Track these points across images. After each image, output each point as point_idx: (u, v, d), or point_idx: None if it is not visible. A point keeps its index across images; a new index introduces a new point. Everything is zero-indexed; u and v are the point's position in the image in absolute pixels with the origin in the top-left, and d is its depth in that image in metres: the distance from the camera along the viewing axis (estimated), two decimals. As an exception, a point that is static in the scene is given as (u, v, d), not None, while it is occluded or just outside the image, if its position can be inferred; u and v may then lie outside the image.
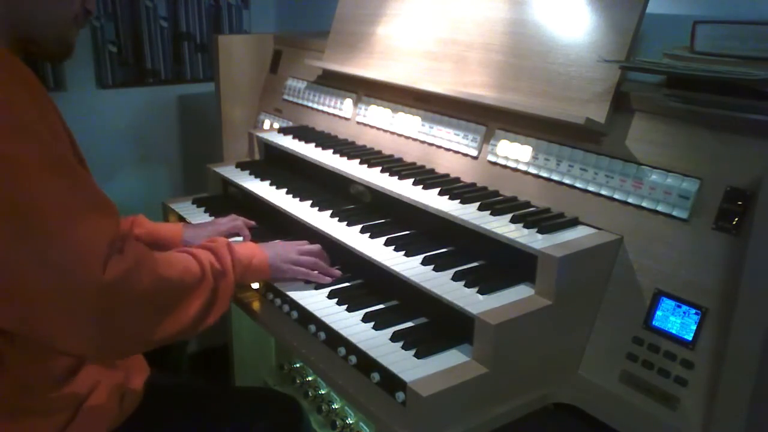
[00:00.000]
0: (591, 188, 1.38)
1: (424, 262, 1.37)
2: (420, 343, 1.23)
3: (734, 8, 1.57)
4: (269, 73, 2.47)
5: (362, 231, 1.52)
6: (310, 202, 1.70)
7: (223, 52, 2.35)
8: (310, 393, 2.16)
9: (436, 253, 1.42)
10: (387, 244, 1.46)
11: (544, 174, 1.46)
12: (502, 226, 1.35)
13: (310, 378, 2.20)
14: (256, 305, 1.52)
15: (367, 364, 1.21)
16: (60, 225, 0.99)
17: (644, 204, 1.28)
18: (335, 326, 1.30)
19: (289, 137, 2.04)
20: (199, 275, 1.21)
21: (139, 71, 2.61)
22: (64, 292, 0.99)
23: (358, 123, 2.00)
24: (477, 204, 1.46)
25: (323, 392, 2.14)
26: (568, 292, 1.25)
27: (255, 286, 1.55)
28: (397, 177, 1.64)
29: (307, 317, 1.37)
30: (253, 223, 1.72)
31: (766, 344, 1.04)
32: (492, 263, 1.39)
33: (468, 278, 1.30)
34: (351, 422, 2.00)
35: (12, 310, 1.01)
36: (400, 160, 1.80)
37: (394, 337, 1.26)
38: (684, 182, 1.23)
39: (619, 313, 1.29)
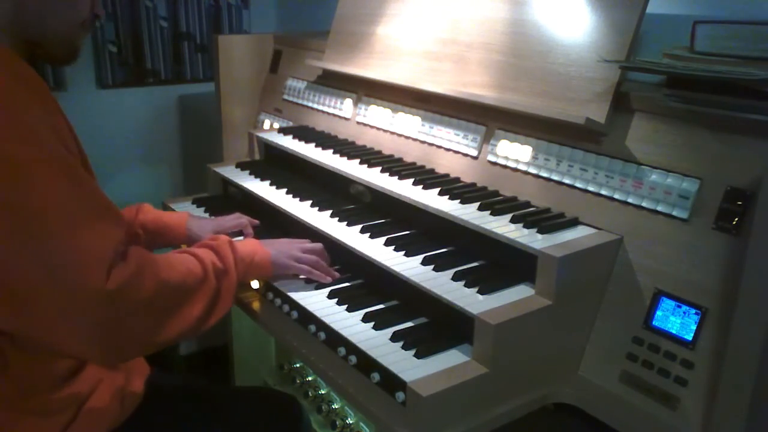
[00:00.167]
0: (591, 188, 1.38)
1: (424, 262, 1.37)
2: (420, 343, 1.23)
3: (734, 8, 1.57)
4: (269, 73, 2.47)
5: (362, 231, 1.52)
6: (310, 202, 1.70)
7: (223, 52, 2.35)
8: (310, 393, 2.16)
9: (436, 253, 1.42)
10: (387, 244, 1.46)
11: (544, 174, 1.46)
12: (502, 226, 1.35)
13: (310, 378, 2.20)
14: (256, 305, 1.52)
15: (367, 364, 1.21)
16: (64, 233, 0.99)
17: (644, 204, 1.28)
18: (335, 326, 1.30)
19: (289, 137, 2.04)
20: (201, 276, 1.21)
21: (139, 71, 2.61)
22: (68, 299, 0.99)
23: (358, 123, 2.00)
24: (477, 204, 1.46)
25: (323, 392, 2.14)
26: (568, 292, 1.25)
27: (255, 285, 1.55)
28: (397, 177, 1.64)
29: (307, 317, 1.37)
30: (257, 222, 1.72)
31: (766, 344, 1.04)
32: (492, 263, 1.39)
33: (468, 278, 1.30)
34: (351, 422, 2.00)
35: (17, 316, 1.02)
36: (400, 160, 1.80)
37: (394, 337, 1.26)
38: (684, 182, 1.23)
39: (619, 313, 1.29)
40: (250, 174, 1.97)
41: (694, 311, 1.19)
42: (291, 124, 2.26)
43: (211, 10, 2.72)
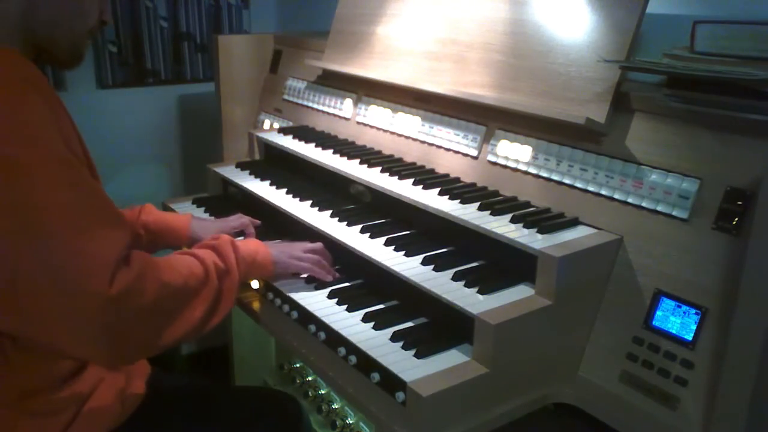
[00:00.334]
0: (591, 188, 1.38)
1: (424, 262, 1.37)
2: (420, 343, 1.23)
3: (734, 8, 1.57)
4: (269, 73, 2.47)
5: (362, 231, 1.52)
6: (310, 202, 1.70)
7: (223, 52, 2.35)
8: (310, 393, 2.16)
9: (436, 253, 1.42)
10: (387, 244, 1.46)
11: (544, 174, 1.46)
12: (502, 226, 1.35)
13: (310, 378, 2.20)
14: (256, 305, 1.52)
15: (367, 364, 1.21)
16: (67, 237, 0.99)
17: (644, 204, 1.28)
18: (335, 326, 1.30)
19: (289, 137, 2.04)
20: (202, 278, 1.20)
21: (139, 71, 2.61)
22: (72, 304, 0.99)
23: (358, 123, 2.00)
24: (477, 204, 1.46)
25: (323, 392, 2.14)
26: (568, 292, 1.25)
27: (255, 285, 1.55)
28: (397, 177, 1.64)
29: (307, 317, 1.37)
30: (258, 222, 1.72)
31: (766, 344, 1.04)
32: (492, 263, 1.39)
33: (468, 278, 1.30)
34: (351, 422, 2.00)
35: (20, 319, 1.02)
36: (400, 160, 1.80)
37: (394, 337, 1.26)
38: (684, 182, 1.23)
39: (619, 313, 1.29)
40: (250, 174, 1.97)
41: (694, 311, 1.19)
42: (291, 124, 2.26)
43: (211, 10, 2.72)
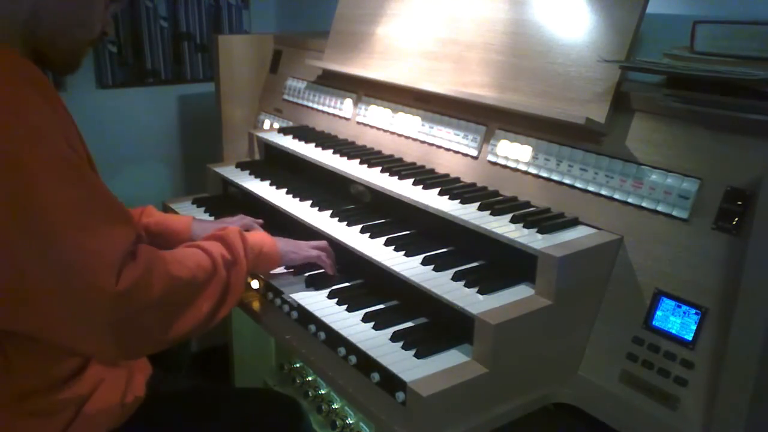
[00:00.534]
0: (591, 188, 1.38)
1: (424, 262, 1.37)
2: (420, 343, 1.23)
3: (734, 8, 1.57)
4: (269, 73, 2.47)
5: (362, 231, 1.52)
6: (310, 202, 1.70)
7: (223, 52, 2.35)
8: (310, 393, 2.16)
9: (436, 253, 1.42)
10: (387, 244, 1.46)
11: (544, 174, 1.46)
12: (502, 226, 1.35)
13: (310, 378, 2.21)
14: (256, 305, 1.52)
15: (367, 364, 1.21)
16: (72, 234, 0.99)
17: (644, 204, 1.28)
18: (335, 326, 1.30)
19: (289, 137, 2.04)
20: (210, 270, 1.20)
21: (139, 71, 2.61)
22: (79, 301, 0.99)
23: (358, 123, 2.00)
24: (477, 204, 1.46)
25: (323, 392, 2.14)
26: (568, 292, 1.25)
27: (255, 285, 1.55)
28: (397, 177, 1.64)
29: (307, 317, 1.37)
30: (261, 221, 1.72)
31: (766, 344, 1.04)
32: (492, 263, 1.39)
33: (468, 278, 1.30)
34: (351, 422, 2.00)
35: (29, 318, 1.02)
36: (400, 160, 1.80)
37: (394, 337, 1.26)
38: (684, 182, 1.23)
39: (619, 313, 1.29)
40: (250, 174, 1.97)
41: (694, 311, 1.19)
42: (291, 124, 2.26)
43: (211, 10, 2.72)
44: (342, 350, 1.27)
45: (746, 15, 1.51)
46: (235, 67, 2.40)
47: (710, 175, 1.21)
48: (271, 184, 1.86)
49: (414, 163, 1.76)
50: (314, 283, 1.47)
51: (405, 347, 1.23)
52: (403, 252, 1.41)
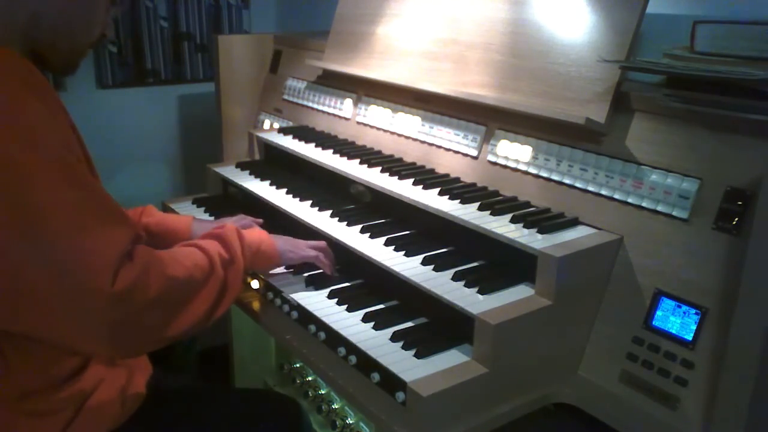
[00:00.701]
0: (591, 188, 1.38)
1: (424, 262, 1.37)
2: (420, 343, 1.23)
3: (734, 8, 1.57)
4: (269, 73, 2.47)
5: (362, 231, 1.52)
6: (310, 202, 1.70)
7: (223, 52, 2.35)
8: (310, 393, 2.16)
9: (436, 253, 1.42)
10: (387, 244, 1.46)
11: (544, 174, 1.46)
12: (502, 226, 1.35)
13: (310, 378, 2.20)
14: (256, 305, 1.52)
15: (367, 364, 1.21)
16: (69, 236, 0.99)
17: (644, 204, 1.28)
18: (335, 326, 1.30)
19: (289, 137, 2.04)
20: (208, 269, 1.21)
21: (139, 71, 2.61)
22: (77, 302, 1.00)
23: (358, 123, 2.00)
24: (477, 204, 1.46)
25: (323, 392, 2.14)
26: (568, 292, 1.25)
27: (255, 285, 1.55)
28: (397, 177, 1.64)
29: (307, 317, 1.37)
30: (260, 220, 1.72)
31: (766, 344, 1.04)
32: (492, 263, 1.39)
33: (468, 278, 1.30)
34: (351, 422, 2.00)
35: (26, 317, 1.02)
36: (400, 160, 1.80)
37: (394, 337, 1.26)
38: (684, 182, 1.23)
39: (619, 313, 1.29)
40: (250, 174, 1.97)
41: (694, 311, 1.19)
42: (291, 124, 2.26)
43: (211, 10, 2.72)
44: (342, 350, 1.27)
45: (746, 15, 1.51)
46: (235, 67, 2.40)
47: (710, 175, 1.21)
48: (271, 184, 1.86)
49: (414, 163, 1.76)
50: (314, 283, 1.47)
51: (405, 347, 1.23)
52: (403, 252, 1.41)
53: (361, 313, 1.35)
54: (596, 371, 1.29)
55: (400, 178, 1.63)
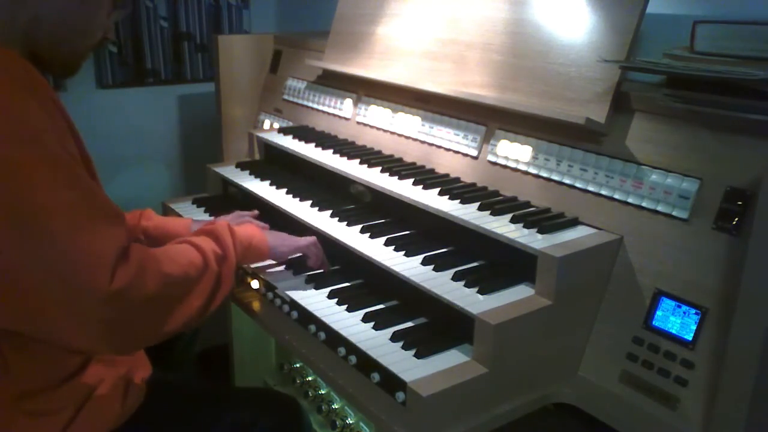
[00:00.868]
0: (591, 188, 1.38)
1: (424, 262, 1.37)
2: (420, 343, 1.23)
3: (734, 8, 1.57)
4: (269, 73, 2.47)
5: (362, 231, 1.52)
6: (310, 202, 1.70)
7: (223, 52, 2.35)
8: (310, 393, 2.16)
9: (436, 253, 1.42)
10: (387, 244, 1.46)
11: (544, 174, 1.46)
12: (502, 226, 1.35)
13: (310, 378, 2.20)
14: (256, 305, 1.52)
15: (367, 364, 1.21)
16: (66, 235, 1.00)
17: (644, 204, 1.28)
18: (335, 326, 1.30)
19: (289, 137, 2.04)
20: (202, 266, 1.22)
21: (139, 71, 2.61)
22: (74, 300, 1.01)
23: (358, 123, 2.00)
24: (477, 204, 1.46)
25: (323, 392, 2.13)
26: (568, 292, 1.25)
27: (255, 285, 1.55)
28: (397, 177, 1.64)
29: (307, 317, 1.37)
30: (257, 212, 1.72)
31: (766, 344, 1.04)
32: (492, 263, 1.39)
33: (468, 278, 1.30)
34: (351, 422, 2.00)
35: (24, 316, 1.03)
36: (400, 160, 1.80)
37: (394, 337, 1.26)
38: (684, 182, 1.23)
39: (619, 313, 1.29)
40: (250, 174, 1.97)
41: (694, 311, 1.19)
42: (291, 124, 2.26)
43: (211, 10, 2.72)
44: (342, 350, 1.27)
45: (746, 15, 1.51)
46: (235, 67, 2.40)
47: (710, 175, 1.21)
48: (271, 184, 1.86)
49: (414, 163, 1.76)
50: (314, 281, 1.47)
51: (405, 347, 1.23)
52: (403, 252, 1.41)
53: (361, 313, 1.35)
54: (596, 371, 1.29)
55: (400, 178, 1.63)
